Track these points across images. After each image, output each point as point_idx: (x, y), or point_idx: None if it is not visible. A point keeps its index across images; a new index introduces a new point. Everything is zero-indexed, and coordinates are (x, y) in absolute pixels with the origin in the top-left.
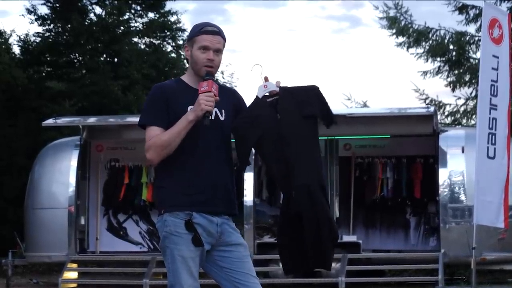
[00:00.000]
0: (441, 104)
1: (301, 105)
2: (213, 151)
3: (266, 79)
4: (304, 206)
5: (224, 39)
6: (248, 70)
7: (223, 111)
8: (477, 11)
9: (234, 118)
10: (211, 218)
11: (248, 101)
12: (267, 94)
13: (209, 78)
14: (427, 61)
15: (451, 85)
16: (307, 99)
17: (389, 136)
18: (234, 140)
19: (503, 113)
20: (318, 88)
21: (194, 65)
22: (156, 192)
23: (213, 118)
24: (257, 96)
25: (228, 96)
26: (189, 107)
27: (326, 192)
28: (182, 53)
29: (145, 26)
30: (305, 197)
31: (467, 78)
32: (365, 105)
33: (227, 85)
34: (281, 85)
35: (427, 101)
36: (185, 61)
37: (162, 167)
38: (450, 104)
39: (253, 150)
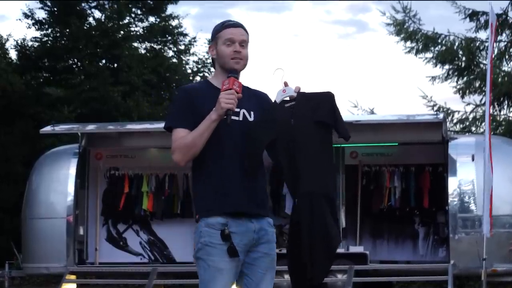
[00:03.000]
0: (449, 111)
1: (314, 110)
2: (243, 152)
3: (285, 84)
4: (303, 215)
5: (247, 33)
6: (268, 75)
7: (251, 112)
8: (488, 17)
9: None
10: (247, 225)
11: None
12: (287, 98)
13: (232, 75)
14: (435, 66)
15: (461, 91)
16: (321, 105)
17: (397, 143)
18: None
19: (486, 119)
20: (333, 95)
21: (221, 60)
22: (192, 197)
23: (241, 119)
24: (274, 100)
25: (258, 99)
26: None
27: (334, 203)
28: (183, 58)
29: (145, 31)
30: (306, 206)
31: (477, 84)
32: (372, 113)
33: None
34: (300, 90)
35: (435, 108)
36: (206, 63)
37: (195, 172)
38: (458, 111)
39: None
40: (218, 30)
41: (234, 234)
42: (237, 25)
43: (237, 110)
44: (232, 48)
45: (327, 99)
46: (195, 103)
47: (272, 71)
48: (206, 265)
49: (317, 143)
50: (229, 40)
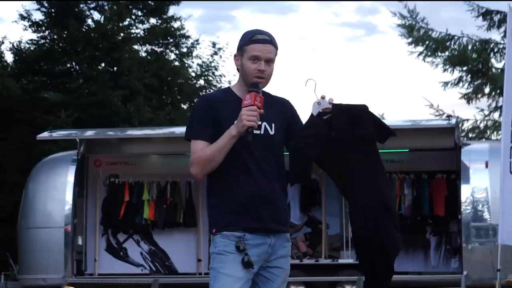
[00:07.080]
0: (458, 119)
1: (353, 124)
2: (264, 167)
3: (322, 97)
4: (358, 228)
5: (276, 48)
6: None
7: (273, 125)
8: (502, 16)
9: (286, 130)
10: (264, 238)
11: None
12: (321, 111)
13: (253, 90)
14: (445, 71)
15: (465, 97)
16: (359, 118)
17: (408, 150)
18: (289, 159)
19: (503, 123)
20: (368, 107)
21: (245, 76)
22: (207, 210)
23: (262, 132)
24: (311, 114)
25: (278, 109)
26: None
27: (393, 213)
28: (186, 61)
29: (146, 33)
30: (361, 219)
31: (487, 90)
32: (382, 118)
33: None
34: (333, 102)
35: (443, 117)
36: (236, 70)
37: (212, 184)
38: (468, 120)
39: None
40: (245, 42)
41: (249, 245)
42: (266, 41)
43: (258, 123)
44: (256, 65)
45: (364, 112)
46: (215, 113)
47: (303, 82)
48: (217, 273)
49: (364, 155)
50: (255, 57)
